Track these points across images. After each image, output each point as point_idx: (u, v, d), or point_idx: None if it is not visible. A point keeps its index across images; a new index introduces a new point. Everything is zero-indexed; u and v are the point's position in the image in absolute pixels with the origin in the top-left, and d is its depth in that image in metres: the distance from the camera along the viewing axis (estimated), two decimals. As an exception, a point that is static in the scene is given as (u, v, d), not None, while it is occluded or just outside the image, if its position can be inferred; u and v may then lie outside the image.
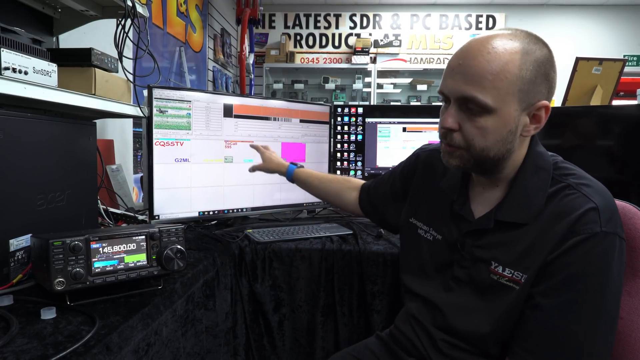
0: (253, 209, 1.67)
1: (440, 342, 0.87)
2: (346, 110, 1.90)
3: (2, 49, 0.93)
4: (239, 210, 1.64)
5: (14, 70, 0.96)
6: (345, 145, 1.90)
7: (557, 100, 2.75)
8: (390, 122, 1.90)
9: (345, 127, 1.90)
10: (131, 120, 2.32)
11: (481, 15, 5.66)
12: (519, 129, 0.77)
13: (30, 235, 0.93)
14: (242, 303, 1.39)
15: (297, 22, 5.77)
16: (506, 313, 0.78)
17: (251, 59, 4.47)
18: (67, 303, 0.80)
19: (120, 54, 1.45)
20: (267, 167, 1.42)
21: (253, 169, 1.45)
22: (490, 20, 5.66)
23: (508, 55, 0.72)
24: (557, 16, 5.58)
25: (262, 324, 1.41)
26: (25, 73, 0.99)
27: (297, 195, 1.70)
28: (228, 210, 1.60)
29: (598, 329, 0.71)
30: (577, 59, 2.12)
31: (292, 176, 1.36)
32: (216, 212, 1.57)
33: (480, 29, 5.66)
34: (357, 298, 1.38)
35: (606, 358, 0.72)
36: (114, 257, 0.84)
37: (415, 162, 1.06)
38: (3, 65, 0.93)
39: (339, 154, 1.91)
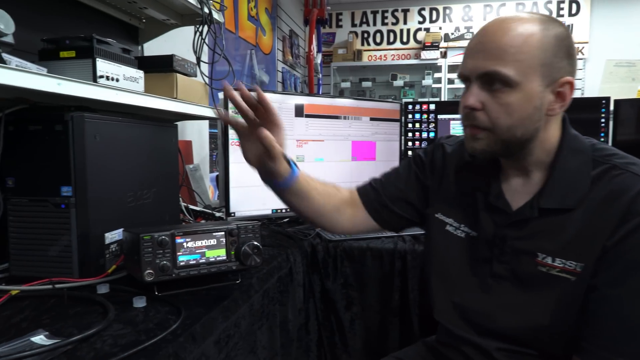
0: (323, 207, 1.68)
1: (496, 352, 0.81)
2: (417, 107, 1.86)
3: (98, 59, 1.01)
4: (310, 208, 1.65)
5: (107, 78, 1.04)
6: (417, 143, 1.86)
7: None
8: (464, 118, 1.83)
9: (417, 125, 1.86)
10: (207, 121, 2.43)
11: (563, 2, 5.26)
12: (544, 107, 0.74)
13: (122, 229, 1.00)
14: (314, 300, 1.41)
15: (364, 20, 5.73)
16: (563, 306, 0.74)
17: (319, 59, 4.52)
18: (155, 293, 0.86)
19: (199, 59, 1.52)
20: (279, 146, 0.89)
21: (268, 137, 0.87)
22: (574, 6, 5.23)
23: (529, 29, 0.72)
24: (652, -3, 5.05)
25: (333, 321, 1.42)
26: (117, 80, 1.08)
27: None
28: (299, 208, 1.63)
29: None
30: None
31: (293, 180, 0.91)
32: (289, 209, 1.60)
33: (562, 16, 5.26)
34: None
35: None
36: (197, 251, 0.89)
37: (441, 155, 0.95)
38: (98, 73, 1.02)
39: (410, 152, 1.87)
